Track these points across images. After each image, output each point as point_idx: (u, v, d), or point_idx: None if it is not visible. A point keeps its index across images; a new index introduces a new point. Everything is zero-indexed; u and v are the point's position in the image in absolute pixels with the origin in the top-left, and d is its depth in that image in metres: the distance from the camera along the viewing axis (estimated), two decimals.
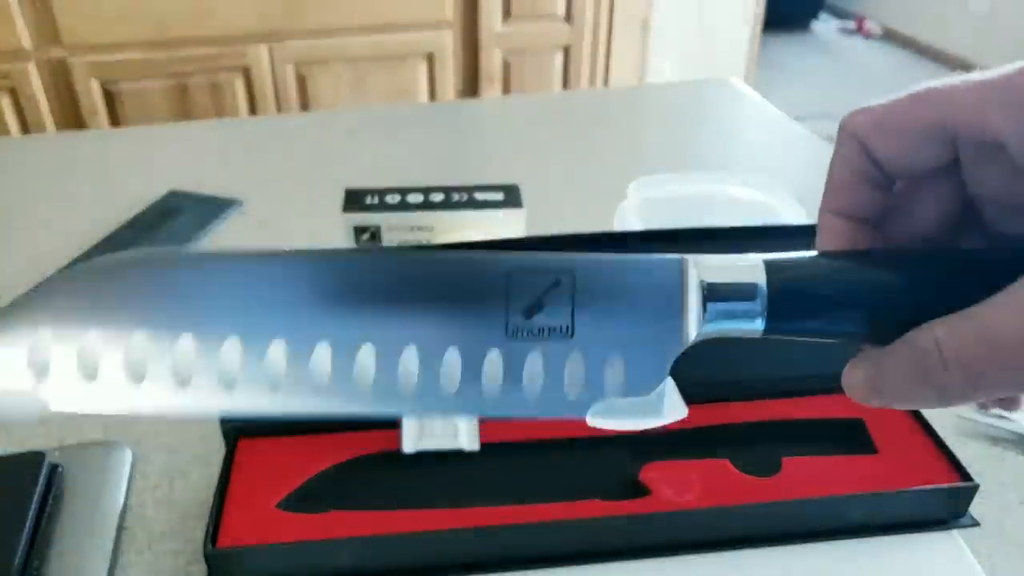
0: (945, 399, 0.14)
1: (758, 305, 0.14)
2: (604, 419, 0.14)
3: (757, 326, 0.15)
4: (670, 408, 0.15)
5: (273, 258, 0.14)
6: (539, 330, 0.14)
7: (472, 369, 0.14)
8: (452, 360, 0.14)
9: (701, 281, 0.15)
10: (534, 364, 0.14)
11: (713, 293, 0.14)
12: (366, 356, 0.13)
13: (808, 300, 0.15)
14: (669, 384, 0.15)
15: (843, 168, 0.16)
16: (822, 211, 0.16)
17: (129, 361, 0.13)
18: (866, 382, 0.15)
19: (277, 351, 0.13)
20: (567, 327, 0.14)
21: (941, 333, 0.13)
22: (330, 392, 0.13)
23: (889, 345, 0.14)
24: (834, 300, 0.15)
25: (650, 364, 0.14)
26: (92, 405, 0.13)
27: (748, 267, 0.15)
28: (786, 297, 0.15)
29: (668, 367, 0.15)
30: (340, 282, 0.14)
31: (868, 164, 0.15)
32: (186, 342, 0.13)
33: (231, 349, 0.13)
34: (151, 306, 0.13)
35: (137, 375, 0.13)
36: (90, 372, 0.13)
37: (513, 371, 0.14)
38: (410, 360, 0.13)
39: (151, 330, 0.13)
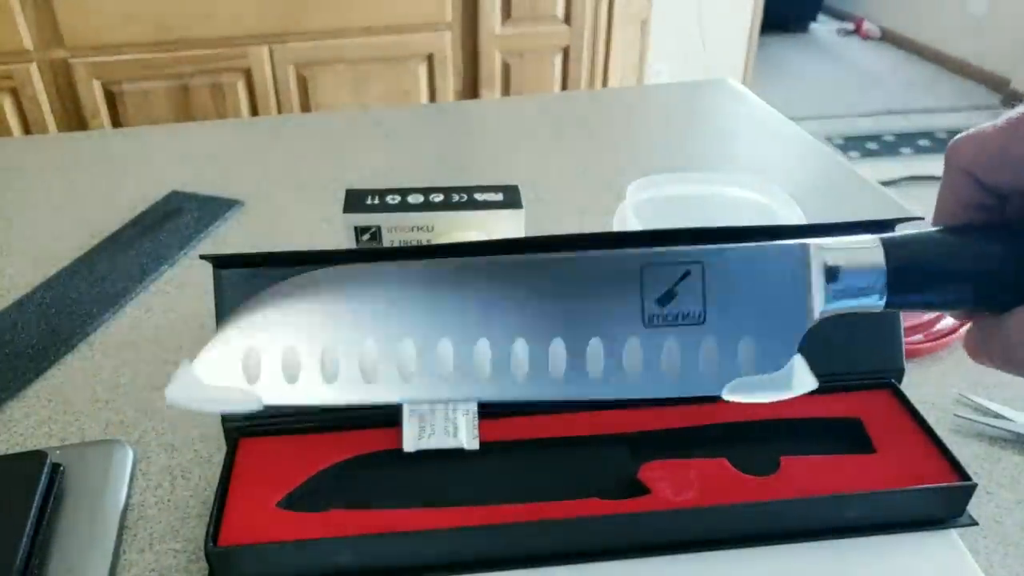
0: None
1: (878, 283, 0.15)
2: (738, 395, 0.15)
3: (878, 302, 0.15)
4: (799, 381, 0.15)
5: (432, 268, 0.15)
6: (674, 317, 0.15)
7: (615, 356, 0.15)
8: (595, 349, 0.15)
9: (824, 264, 0.15)
10: (671, 348, 0.15)
11: (835, 274, 0.15)
12: (519, 350, 0.15)
13: (925, 276, 0.15)
14: (797, 359, 0.16)
15: (953, 200, 0.16)
16: None
17: (323, 362, 0.15)
18: (979, 348, 0.16)
19: (446, 349, 0.15)
20: (700, 313, 0.15)
21: None
22: (489, 382, 0.15)
23: (996, 318, 0.15)
24: (950, 275, 0.15)
25: (779, 343, 0.15)
26: (295, 399, 0.15)
27: (867, 247, 0.15)
28: (904, 274, 0.15)
29: (796, 345, 0.15)
30: (493, 286, 0.15)
31: (980, 193, 0.16)
32: (369, 344, 0.15)
33: (407, 348, 0.15)
34: (339, 315, 0.15)
35: (330, 374, 0.15)
36: (292, 373, 0.15)
37: (652, 356, 0.15)
38: (558, 351, 0.15)
39: (340, 335, 0.15)
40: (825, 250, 0.15)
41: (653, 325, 0.15)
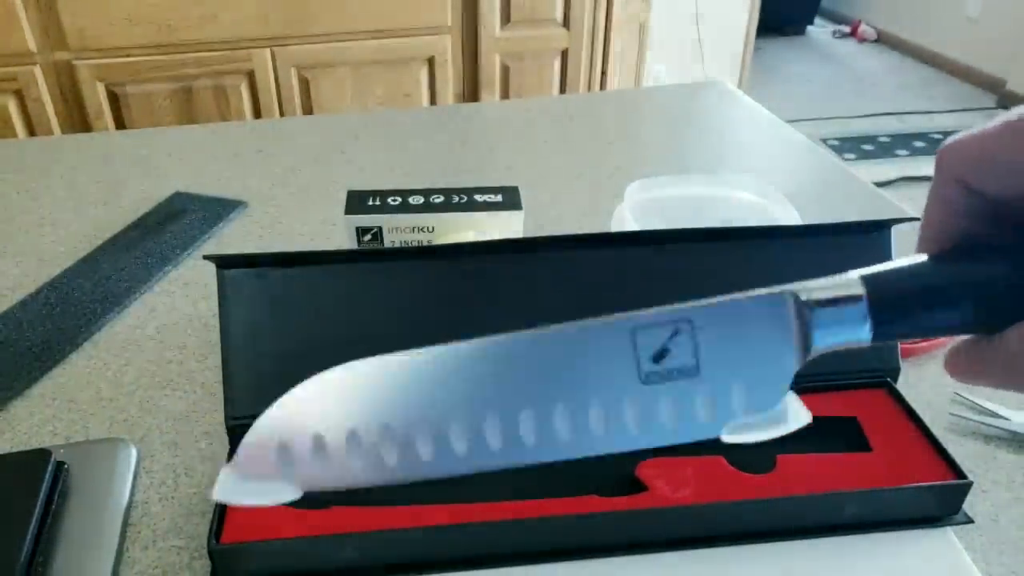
0: None
1: (862, 319, 0.16)
2: (736, 436, 0.16)
3: (864, 337, 0.16)
4: (794, 416, 0.16)
5: (440, 356, 0.17)
6: (668, 373, 0.16)
7: (615, 415, 0.16)
8: (597, 411, 0.16)
9: (806, 307, 0.16)
10: (668, 402, 0.16)
11: (818, 320, 0.16)
12: (526, 423, 0.16)
13: (909, 308, 0.16)
14: (790, 396, 0.16)
15: (943, 208, 0.16)
16: (921, 246, 0.17)
17: (348, 448, 0.16)
18: (967, 368, 0.16)
19: (457, 429, 0.16)
20: (693, 367, 0.16)
21: None
22: (502, 454, 0.16)
23: (989, 339, 0.15)
24: (935, 308, 0.16)
25: (770, 385, 0.16)
26: (329, 485, 0.17)
27: (848, 285, 0.16)
28: (888, 308, 0.16)
29: (787, 385, 0.16)
30: (495, 363, 0.16)
31: (971, 200, 0.16)
32: (388, 426, 0.17)
33: (421, 429, 0.16)
34: (360, 402, 0.17)
35: (356, 461, 0.16)
36: (325, 461, 0.16)
37: (650, 411, 0.16)
38: (561, 418, 0.16)
39: (360, 419, 0.16)
40: (806, 293, 0.16)
41: (649, 383, 0.16)
